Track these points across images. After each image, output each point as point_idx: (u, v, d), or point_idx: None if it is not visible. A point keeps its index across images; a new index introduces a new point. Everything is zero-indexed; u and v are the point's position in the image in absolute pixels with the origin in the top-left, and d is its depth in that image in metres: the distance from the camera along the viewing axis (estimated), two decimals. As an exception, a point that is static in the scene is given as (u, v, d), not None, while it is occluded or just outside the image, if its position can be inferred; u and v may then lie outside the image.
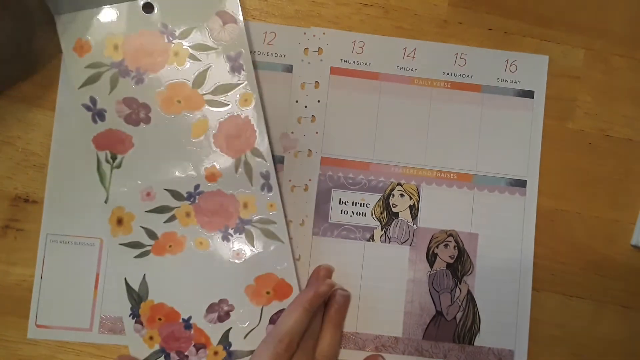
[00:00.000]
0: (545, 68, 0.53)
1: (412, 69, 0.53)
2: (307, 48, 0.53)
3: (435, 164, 0.53)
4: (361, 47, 0.53)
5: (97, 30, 0.50)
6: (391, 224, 0.52)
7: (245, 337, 0.50)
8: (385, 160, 0.53)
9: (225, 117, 0.51)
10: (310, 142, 0.52)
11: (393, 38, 0.53)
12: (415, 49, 0.53)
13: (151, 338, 0.49)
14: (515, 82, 0.53)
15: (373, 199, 0.52)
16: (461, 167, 0.53)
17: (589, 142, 0.54)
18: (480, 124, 0.53)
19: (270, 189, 0.51)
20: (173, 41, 0.50)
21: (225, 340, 0.50)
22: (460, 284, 0.52)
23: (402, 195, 0.52)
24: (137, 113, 0.50)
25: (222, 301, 0.50)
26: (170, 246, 0.50)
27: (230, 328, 0.50)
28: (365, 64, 0.53)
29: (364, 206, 0.52)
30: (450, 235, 0.52)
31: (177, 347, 0.49)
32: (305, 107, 0.53)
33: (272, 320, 0.50)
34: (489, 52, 0.53)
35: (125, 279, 0.50)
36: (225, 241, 0.50)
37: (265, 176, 0.51)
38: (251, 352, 0.49)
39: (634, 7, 0.54)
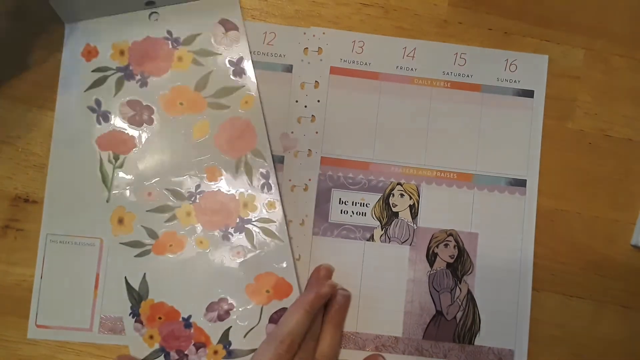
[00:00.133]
0: (545, 68, 0.53)
1: (412, 69, 0.53)
2: (307, 48, 0.53)
3: (435, 163, 0.53)
4: (361, 47, 0.53)
5: (104, 36, 0.52)
6: (391, 223, 0.52)
7: (245, 336, 0.50)
8: (385, 160, 0.53)
9: (227, 118, 0.51)
10: (310, 142, 0.52)
11: (393, 38, 0.53)
12: (415, 48, 0.53)
13: (151, 337, 0.50)
14: (515, 81, 0.53)
15: (373, 198, 0.52)
16: (461, 167, 0.53)
17: (588, 142, 0.54)
18: (480, 123, 0.53)
19: (270, 189, 0.51)
20: (177, 47, 0.52)
21: (225, 339, 0.50)
22: (460, 283, 0.52)
23: (402, 195, 0.52)
24: (141, 115, 0.51)
25: (222, 300, 0.50)
26: (170, 245, 0.50)
27: (230, 327, 0.50)
28: (365, 63, 0.53)
29: (364, 206, 0.52)
30: (450, 234, 0.52)
31: (177, 346, 0.50)
32: (305, 107, 0.53)
33: (272, 319, 0.50)
34: (488, 52, 0.53)
35: (125, 278, 0.50)
36: (225, 240, 0.50)
37: (266, 176, 0.51)
38: (251, 351, 0.49)
39: (634, 7, 0.55)
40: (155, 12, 0.52)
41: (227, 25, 0.52)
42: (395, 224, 0.52)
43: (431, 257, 0.52)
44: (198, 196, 0.51)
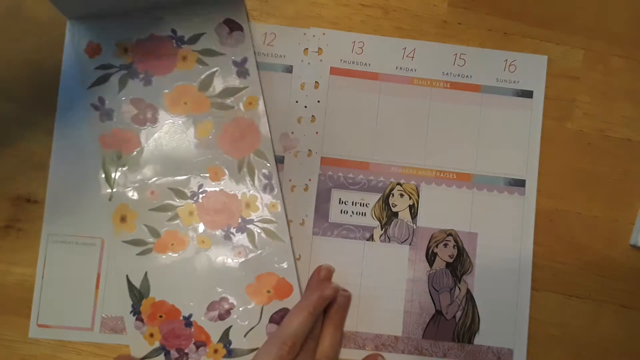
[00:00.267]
0: (544, 68, 0.54)
1: (411, 69, 0.53)
2: (307, 48, 0.53)
3: (435, 163, 0.53)
4: (361, 48, 0.53)
5: (108, 34, 0.52)
6: (391, 223, 0.52)
7: (245, 336, 0.50)
8: (385, 160, 0.53)
9: (230, 119, 0.51)
10: (310, 142, 0.53)
11: (393, 38, 0.53)
12: (414, 49, 0.53)
13: (152, 335, 0.50)
14: (515, 82, 0.53)
15: (373, 198, 0.52)
16: (460, 167, 0.53)
17: (588, 142, 0.54)
18: (479, 123, 0.53)
19: (272, 190, 0.51)
20: (182, 46, 0.52)
21: (225, 338, 0.50)
22: (459, 283, 0.52)
23: (401, 195, 0.53)
24: (145, 113, 0.51)
25: (222, 299, 0.50)
26: (172, 244, 0.50)
27: (231, 326, 0.50)
28: (365, 64, 0.53)
29: (363, 206, 0.52)
30: (450, 234, 0.52)
31: (177, 345, 0.50)
32: (305, 107, 0.53)
33: (272, 319, 0.50)
34: (488, 52, 0.54)
35: (127, 276, 0.50)
36: (227, 240, 0.51)
37: (268, 177, 0.51)
38: (251, 350, 0.50)
39: (633, 8, 0.55)
40: (160, 10, 0.52)
41: (232, 26, 0.52)
42: (395, 224, 0.52)
43: (431, 257, 0.52)
44: (201, 196, 0.51)
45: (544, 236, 0.53)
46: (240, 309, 0.50)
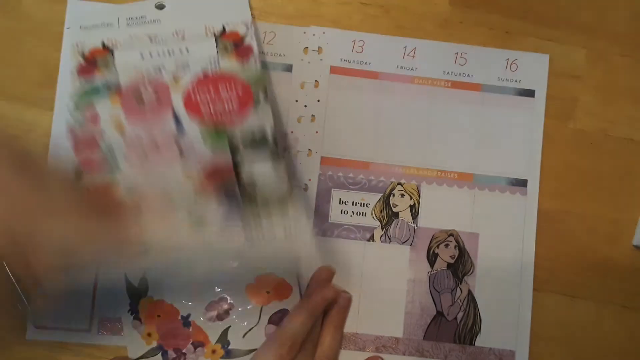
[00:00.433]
0: (546, 67, 0.53)
1: (412, 68, 0.53)
2: (307, 47, 0.53)
3: (436, 163, 0.53)
4: (361, 46, 0.53)
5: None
6: (391, 223, 0.52)
7: (243, 336, 0.50)
8: (386, 159, 0.52)
9: None
10: (310, 141, 0.52)
11: (393, 37, 0.53)
12: (415, 48, 0.53)
13: (149, 335, 0.49)
14: (516, 81, 0.53)
15: (373, 198, 0.52)
16: (461, 167, 0.53)
17: (590, 141, 0.53)
18: (480, 123, 0.53)
19: None
20: None
21: (223, 338, 0.50)
22: (460, 284, 0.52)
23: (402, 195, 0.52)
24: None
25: (221, 300, 0.50)
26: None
27: (229, 327, 0.50)
28: (365, 63, 0.53)
29: (364, 206, 0.52)
30: (451, 235, 0.52)
31: (175, 345, 0.49)
32: (305, 106, 0.52)
33: (272, 320, 0.50)
34: (489, 51, 0.53)
35: (125, 275, 0.50)
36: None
37: None
38: (249, 351, 0.49)
39: (634, 7, 0.54)
40: (161, 4, 0.51)
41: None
42: (395, 224, 0.52)
43: (432, 258, 0.52)
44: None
45: (545, 236, 0.52)
46: (239, 309, 0.50)
